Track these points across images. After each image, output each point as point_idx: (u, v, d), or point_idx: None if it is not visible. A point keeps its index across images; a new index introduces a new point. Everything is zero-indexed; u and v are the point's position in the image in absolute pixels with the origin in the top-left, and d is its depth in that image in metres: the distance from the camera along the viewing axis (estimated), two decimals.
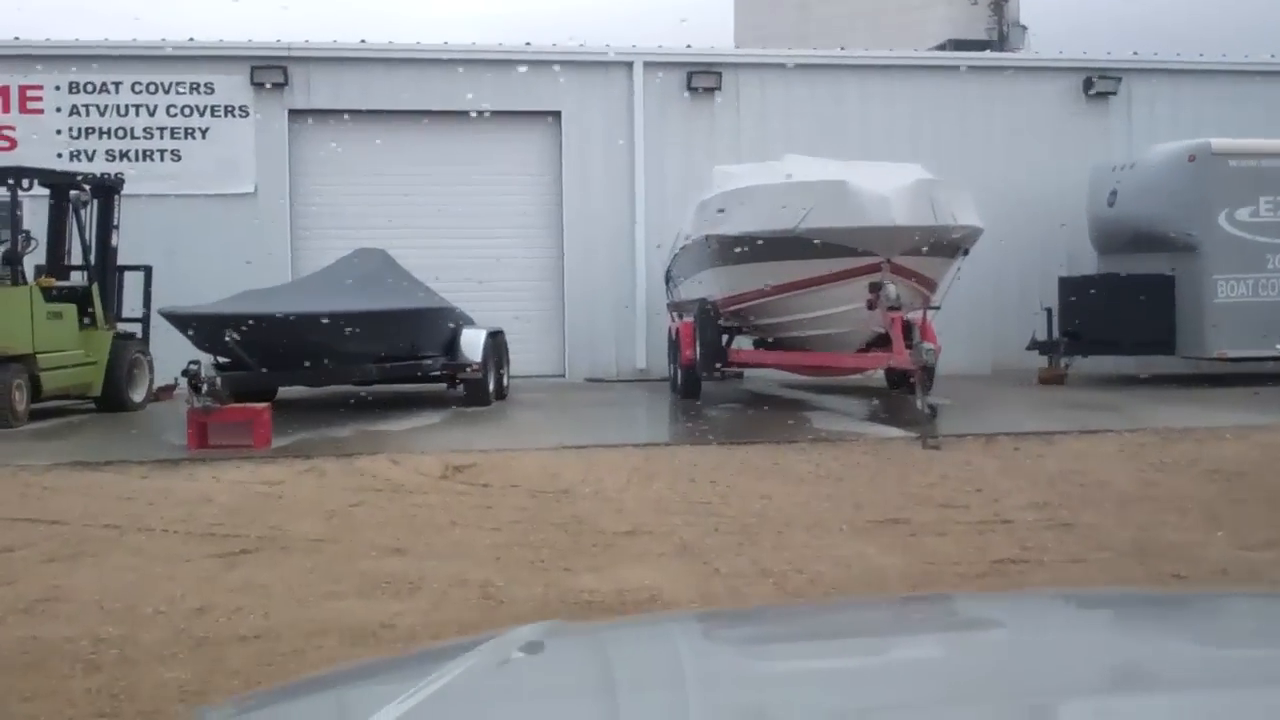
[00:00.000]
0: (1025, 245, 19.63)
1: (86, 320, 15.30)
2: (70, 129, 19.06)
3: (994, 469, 10.83)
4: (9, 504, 9.47)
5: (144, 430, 14.10)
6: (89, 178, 16.19)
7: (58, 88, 19.04)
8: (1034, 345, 18.27)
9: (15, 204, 14.77)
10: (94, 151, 19.02)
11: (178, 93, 19.24)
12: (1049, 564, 7.81)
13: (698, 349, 15.47)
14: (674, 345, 17.04)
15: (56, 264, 15.71)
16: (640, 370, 19.80)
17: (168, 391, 15.90)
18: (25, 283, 14.54)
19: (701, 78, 20.27)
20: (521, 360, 18.11)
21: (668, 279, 18.40)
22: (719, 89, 20.34)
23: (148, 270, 16.40)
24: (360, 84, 19.33)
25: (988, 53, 26.76)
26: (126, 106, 19.18)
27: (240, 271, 16.84)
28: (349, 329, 13.66)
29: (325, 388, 15.71)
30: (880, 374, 16.11)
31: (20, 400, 13.88)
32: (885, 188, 13.09)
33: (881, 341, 13.83)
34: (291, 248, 19.38)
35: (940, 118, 20.50)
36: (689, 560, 7.85)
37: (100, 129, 19.14)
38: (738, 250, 14.05)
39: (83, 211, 15.60)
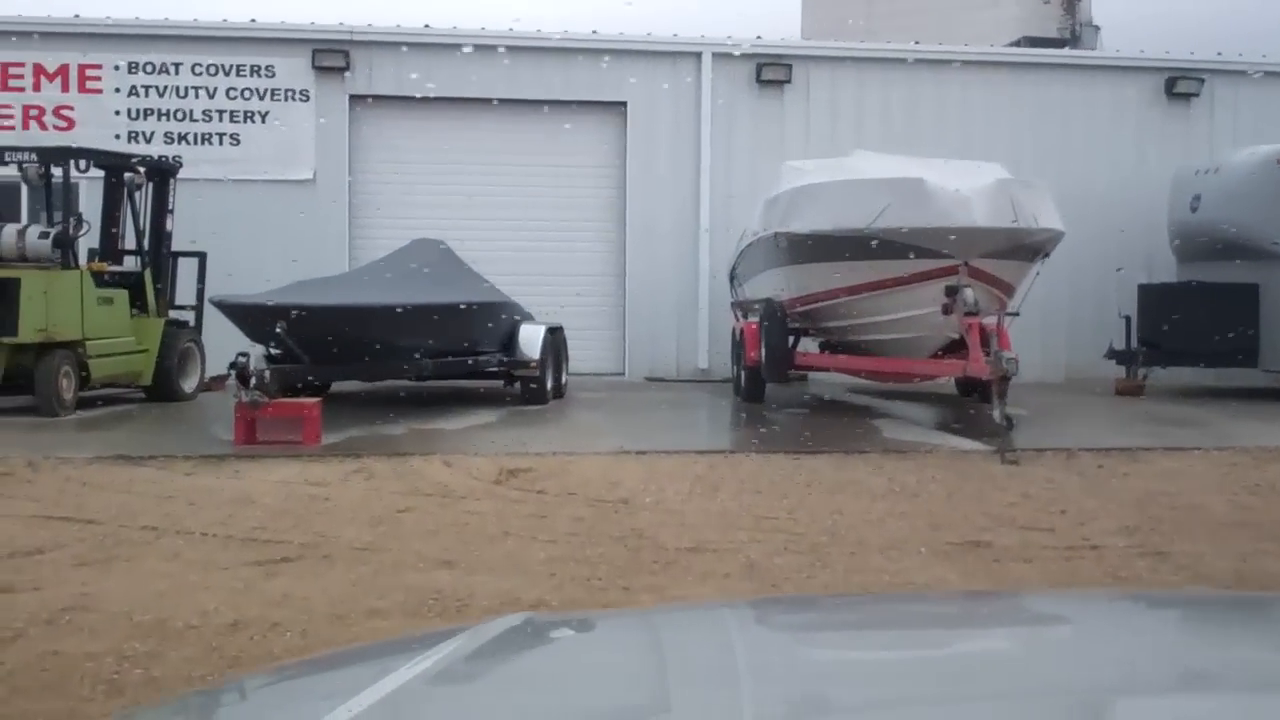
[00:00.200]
0: (1101, 250, 18.98)
1: (138, 307, 14.97)
2: (129, 110, 18.83)
3: (1077, 487, 10.25)
4: (46, 500, 9.11)
5: (192, 423, 13.78)
6: (145, 160, 15.88)
7: (117, 67, 18.79)
8: (1111, 354, 17.61)
9: (69, 185, 14.47)
10: (152, 133, 18.76)
11: (238, 75, 18.95)
12: None
13: (763, 352, 14.92)
14: (738, 346, 16.48)
15: (109, 248, 15.42)
16: (702, 370, 19.30)
17: (220, 382, 15.33)
18: (77, 267, 14.20)
19: (771, 70, 19.72)
20: (580, 357, 17.67)
21: (732, 277, 17.85)
22: (789, 81, 19.80)
23: (202, 257, 16.02)
24: (423, 70, 18.83)
25: (1067, 50, 25.93)
26: (186, 88, 18.89)
27: (296, 260, 16.53)
28: (403, 322, 13.16)
29: (380, 382, 15.33)
30: (948, 381, 15.53)
31: (67, 388, 13.52)
32: (965, 187, 12.50)
33: (954, 347, 13.25)
34: (349, 237, 19.02)
35: (1017, 117, 19.89)
36: (757, 582, 7.32)
37: (159, 110, 18.88)
38: (808, 249, 13.51)
39: (137, 195, 15.31)
